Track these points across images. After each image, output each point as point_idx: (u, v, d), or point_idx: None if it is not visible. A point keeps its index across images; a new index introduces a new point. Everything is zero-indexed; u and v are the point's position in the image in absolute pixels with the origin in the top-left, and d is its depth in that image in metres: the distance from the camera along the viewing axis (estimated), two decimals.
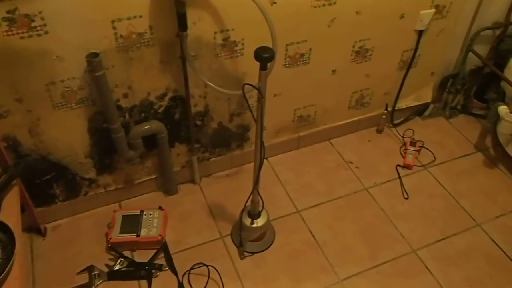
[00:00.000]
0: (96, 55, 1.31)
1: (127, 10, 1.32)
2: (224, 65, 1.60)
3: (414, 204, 1.90)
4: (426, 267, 1.68)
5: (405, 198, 1.92)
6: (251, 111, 1.33)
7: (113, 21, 1.31)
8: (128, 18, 1.33)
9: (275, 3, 1.51)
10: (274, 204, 1.85)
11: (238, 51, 1.58)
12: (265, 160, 2.02)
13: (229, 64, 1.61)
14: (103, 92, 1.39)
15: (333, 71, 1.86)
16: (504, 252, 1.74)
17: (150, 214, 1.69)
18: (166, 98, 1.60)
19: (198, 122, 1.74)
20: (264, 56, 1.16)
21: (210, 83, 1.53)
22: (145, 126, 1.59)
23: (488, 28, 2.06)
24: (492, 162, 2.11)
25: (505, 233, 1.80)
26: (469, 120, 2.34)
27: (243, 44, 1.57)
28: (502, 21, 2.05)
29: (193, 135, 1.74)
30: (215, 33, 1.50)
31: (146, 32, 1.39)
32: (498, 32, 2.09)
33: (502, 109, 1.89)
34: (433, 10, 1.84)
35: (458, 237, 1.79)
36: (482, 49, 2.15)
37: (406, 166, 2.05)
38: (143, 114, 1.59)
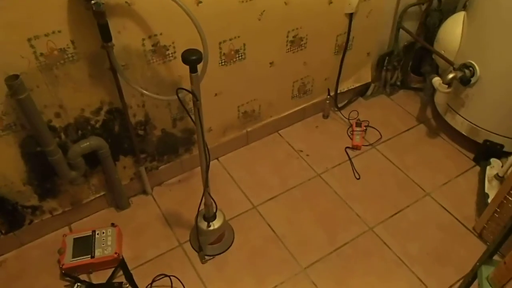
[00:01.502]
0: (16, 77, 1.24)
1: (43, 26, 1.25)
2: (158, 71, 1.56)
3: (366, 183, 1.95)
4: (384, 243, 1.73)
5: (357, 179, 1.96)
6: (189, 115, 1.31)
7: (29, 40, 1.25)
8: (46, 35, 1.27)
9: (201, 2, 1.49)
10: (230, 203, 1.84)
11: (170, 55, 1.55)
12: (216, 160, 2.02)
13: (163, 70, 1.57)
14: (30, 114, 1.32)
15: (271, 63, 1.86)
16: (454, 216, 1.82)
17: (103, 233, 1.64)
18: (102, 112, 1.54)
19: (140, 132, 1.69)
20: (191, 59, 1.14)
21: (145, 91, 1.49)
22: (84, 144, 1.53)
23: (414, 5, 2.13)
24: (434, 132, 2.20)
25: (452, 199, 1.89)
26: (409, 94, 2.42)
27: (174, 47, 1.54)
28: None
29: (136, 146, 1.70)
30: (143, 39, 1.46)
31: (68, 47, 1.32)
32: (424, 7, 2.17)
33: (436, 80, 1.96)
34: None
35: (410, 209, 1.85)
36: (412, 25, 2.22)
37: (354, 147, 2.09)
38: (80, 132, 1.53)
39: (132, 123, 1.63)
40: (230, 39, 1.66)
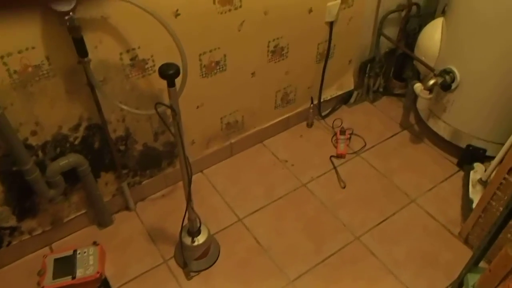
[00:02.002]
0: None
1: (16, 43, 1.22)
2: (138, 85, 1.54)
3: (352, 191, 1.94)
4: (371, 252, 1.72)
5: (343, 187, 1.96)
6: (169, 130, 1.28)
7: (2, 57, 1.21)
8: (20, 52, 1.24)
9: (179, 14, 1.47)
10: (215, 217, 1.82)
11: (150, 68, 1.53)
12: (200, 172, 2.00)
13: (143, 83, 1.55)
14: (4, 133, 1.28)
15: (253, 73, 1.85)
16: (440, 222, 1.82)
17: (85, 252, 1.59)
18: (81, 128, 1.51)
19: (121, 147, 1.66)
20: (169, 73, 1.12)
21: (124, 106, 1.46)
22: (63, 162, 1.49)
23: (393, 11, 2.14)
24: (418, 137, 2.21)
25: (437, 204, 1.89)
26: (392, 100, 2.43)
27: (153, 60, 1.52)
28: (405, 2, 2.14)
29: (118, 161, 1.66)
30: (121, 54, 1.43)
31: (43, 64, 1.29)
32: (403, 13, 2.18)
33: (417, 86, 1.97)
34: (339, 0, 1.88)
35: (396, 216, 1.84)
36: (392, 31, 2.23)
37: (339, 156, 2.09)
38: (58, 149, 1.49)
39: (113, 139, 1.60)
40: (210, 51, 1.65)
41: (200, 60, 1.64)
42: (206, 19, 1.54)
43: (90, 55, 1.32)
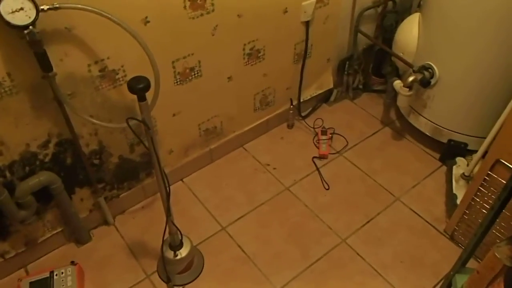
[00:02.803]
0: None
1: None
2: (109, 97, 1.47)
3: (336, 192, 1.91)
4: (358, 254, 1.69)
5: (326, 189, 1.93)
6: (143, 143, 1.22)
7: None
8: None
9: (148, 22, 1.41)
10: (197, 226, 1.77)
11: (121, 79, 1.46)
12: (180, 181, 1.95)
13: (115, 94, 1.48)
14: None
15: (229, 78, 1.80)
16: (425, 220, 1.81)
17: (62, 273, 1.53)
18: (51, 145, 1.44)
19: (96, 161, 1.59)
20: (138, 87, 1.07)
21: (94, 120, 1.39)
22: (33, 181, 1.42)
23: (369, 8, 2.11)
24: (399, 134, 2.19)
25: (422, 201, 1.87)
26: (372, 97, 2.41)
27: (124, 71, 1.45)
28: None
29: (92, 176, 1.60)
30: (89, 65, 1.36)
31: (4, 80, 1.22)
32: (379, 9, 2.16)
33: (397, 83, 1.95)
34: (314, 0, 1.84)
35: (381, 216, 1.83)
36: (369, 27, 2.21)
37: (321, 156, 2.06)
38: (27, 168, 1.42)
39: (86, 153, 1.54)
40: (184, 57, 1.59)
41: (173, 67, 1.58)
42: (177, 25, 1.49)
43: (55, 69, 1.26)
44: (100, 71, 1.40)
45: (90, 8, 1.18)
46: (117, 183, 1.72)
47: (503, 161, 1.42)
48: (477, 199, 1.58)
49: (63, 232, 1.66)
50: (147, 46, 1.27)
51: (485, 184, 1.52)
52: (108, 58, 1.39)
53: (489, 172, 1.49)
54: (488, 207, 1.55)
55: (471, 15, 1.63)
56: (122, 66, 1.44)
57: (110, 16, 1.20)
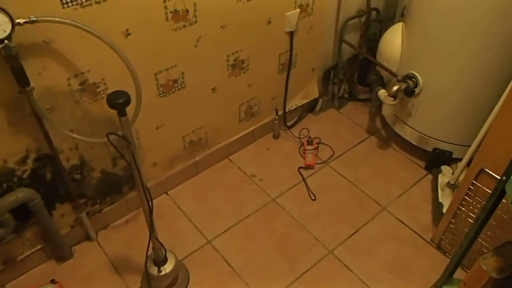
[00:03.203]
0: None
1: None
2: (90, 110, 1.44)
3: (322, 203, 1.90)
4: (345, 265, 1.68)
5: (313, 200, 1.91)
6: (125, 159, 1.20)
7: None
8: None
9: (130, 34, 1.39)
10: (182, 240, 1.74)
11: (102, 92, 1.43)
12: (164, 194, 1.91)
13: (96, 108, 1.45)
14: None
15: (213, 89, 1.78)
16: (411, 229, 1.80)
17: None
18: (29, 161, 1.40)
19: (77, 176, 1.56)
20: (118, 102, 1.04)
21: (74, 135, 1.36)
22: (11, 198, 1.37)
23: (354, 17, 2.12)
24: (385, 142, 2.19)
25: (408, 210, 1.87)
26: (358, 106, 2.41)
27: (105, 84, 1.43)
28: (364, 8, 2.12)
29: (74, 191, 1.56)
30: (69, 79, 1.33)
31: None
32: (363, 19, 2.17)
33: (381, 93, 1.95)
34: (298, 10, 1.84)
35: (368, 226, 1.82)
36: (354, 37, 2.22)
37: (307, 167, 2.04)
38: (5, 185, 1.38)
39: (66, 168, 1.50)
40: (167, 69, 1.57)
41: (156, 79, 1.56)
42: (159, 37, 1.47)
43: (33, 83, 1.22)
44: (80, 84, 1.37)
45: (68, 21, 1.15)
46: (99, 198, 1.68)
47: (487, 170, 1.42)
48: (463, 208, 1.58)
49: (44, 249, 1.62)
50: (127, 59, 1.25)
51: (470, 193, 1.52)
52: (88, 71, 1.36)
53: (473, 181, 1.49)
54: (474, 216, 1.55)
55: (452, 25, 1.64)
56: (103, 79, 1.41)
57: (89, 29, 1.18)
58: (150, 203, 1.30)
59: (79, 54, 1.32)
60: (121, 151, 1.18)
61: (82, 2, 1.23)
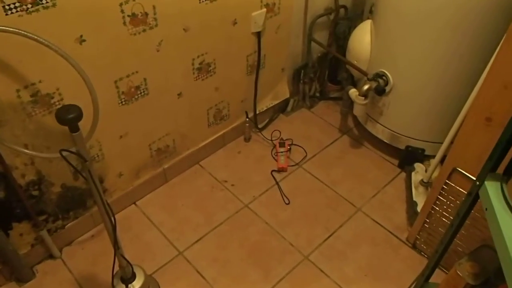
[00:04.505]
0: None
1: None
2: (44, 123, 1.35)
3: (296, 207, 1.86)
4: (321, 270, 1.64)
5: (287, 204, 1.87)
6: (82, 176, 1.12)
7: None
8: None
9: (84, 40, 1.30)
10: (152, 253, 1.66)
11: (57, 103, 1.34)
12: (133, 205, 1.84)
13: (51, 121, 1.36)
14: None
15: (179, 94, 1.71)
16: (386, 229, 1.78)
17: None
18: None
19: (35, 193, 1.46)
20: (68, 118, 0.96)
21: (26, 150, 1.27)
22: None
23: (322, 15, 2.08)
24: (358, 141, 2.17)
25: (383, 210, 1.85)
26: (329, 104, 2.38)
27: (60, 94, 1.33)
28: (332, 6, 2.08)
29: (31, 209, 1.46)
30: (18, 91, 1.24)
31: None
32: (332, 17, 2.13)
33: (352, 92, 1.92)
34: (264, 9, 1.78)
35: (343, 229, 1.78)
36: (323, 35, 2.18)
37: (280, 169, 2.00)
38: None
39: (22, 185, 1.40)
40: (128, 76, 1.48)
41: (117, 87, 1.48)
42: (117, 43, 1.38)
43: None
44: (32, 96, 1.27)
45: (12, 29, 1.06)
46: (61, 213, 1.59)
47: (460, 170, 1.41)
48: (437, 208, 1.56)
49: (1, 271, 1.52)
50: (81, 68, 1.16)
51: (443, 192, 1.50)
52: (40, 81, 1.27)
53: (447, 181, 1.47)
54: (448, 215, 1.53)
55: (418, 25, 1.61)
56: (58, 89, 1.32)
57: (36, 37, 1.08)
58: (113, 219, 1.22)
59: (28, 64, 1.22)
60: (77, 167, 1.10)
61: (27, 8, 1.13)
